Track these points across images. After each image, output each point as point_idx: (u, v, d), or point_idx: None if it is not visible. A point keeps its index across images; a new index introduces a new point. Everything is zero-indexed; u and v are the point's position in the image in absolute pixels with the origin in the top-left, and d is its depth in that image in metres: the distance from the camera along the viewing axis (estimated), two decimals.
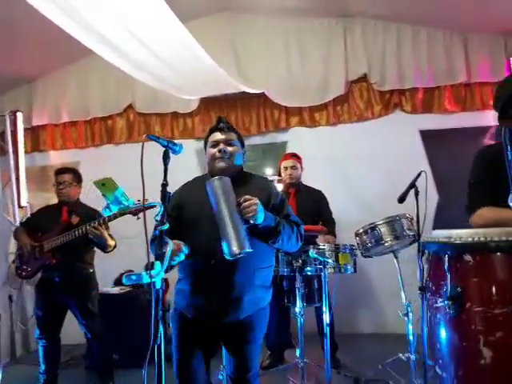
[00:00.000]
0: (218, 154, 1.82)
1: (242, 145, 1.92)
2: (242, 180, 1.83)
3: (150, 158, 4.37)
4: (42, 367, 2.97)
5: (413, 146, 4.01)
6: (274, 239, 1.70)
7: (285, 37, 4.19)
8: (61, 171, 3.10)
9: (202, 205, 1.75)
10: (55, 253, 2.90)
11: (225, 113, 4.37)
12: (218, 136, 1.86)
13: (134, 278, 1.27)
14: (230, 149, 1.83)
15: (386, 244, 2.54)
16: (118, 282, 3.85)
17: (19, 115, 4.43)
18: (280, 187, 4.14)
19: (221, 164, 1.81)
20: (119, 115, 4.52)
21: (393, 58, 3.99)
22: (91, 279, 3.06)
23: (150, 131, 4.48)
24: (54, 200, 4.56)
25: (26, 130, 4.49)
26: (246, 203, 1.59)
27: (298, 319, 2.62)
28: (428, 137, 4.01)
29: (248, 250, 1.51)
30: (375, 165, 4.03)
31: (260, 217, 1.60)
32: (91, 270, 3.06)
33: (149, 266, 1.30)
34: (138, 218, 3.00)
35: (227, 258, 1.53)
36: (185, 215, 1.84)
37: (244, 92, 4.06)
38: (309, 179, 3.56)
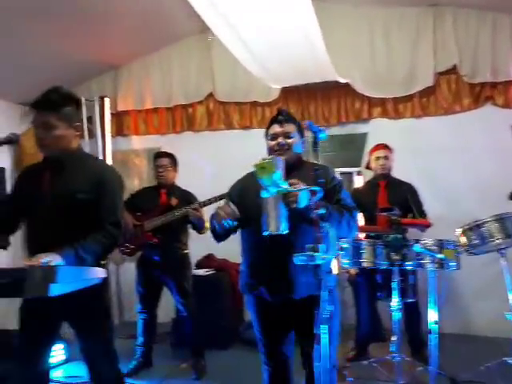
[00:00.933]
0: (276, 147, 1.89)
1: (302, 134, 1.95)
2: (296, 167, 1.87)
3: (229, 147, 4.37)
4: (140, 340, 3.14)
5: (503, 142, 3.85)
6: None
7: (370, 26, 4.12)
8: (160, 155, 3.24)
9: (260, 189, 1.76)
10: (155, 233, 3.05)
11: (304, 103, 4.39)
12: (276, 129, 1.91)
13: (304, 258, 1.32)
14: (288, 141, 1.89)
15: (496, 242, 2.48)
16: (200, 265, 3.98)
17: (106, 100, 4.64)
18: (360, 180, 4.15)
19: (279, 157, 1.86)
20: (200, 103, 4.63)
21: (486, 49, 3.82)
22: (187, 259, 3.20)
23: (230, 120, 4.58)
24: (135, 183, 4.78)
25: (111, 115, 4.71)
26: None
27: (395, 313, 2.62)
28: None
29: (283, 231, 1.56)
30: (461, 160, 3.92)
31: (302, 201, 1.60)
32: (187, 251, 3.20)
33: (315, 248, 1.34)
34: None
35: (264, 233, 1.58)
36: (246, 202, 1.87)
37: (325, 82, 4.05)
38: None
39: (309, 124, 1.64)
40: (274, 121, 1.93)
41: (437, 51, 3.95)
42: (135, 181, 4.95)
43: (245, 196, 1.89)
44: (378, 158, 3.31)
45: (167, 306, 3.59)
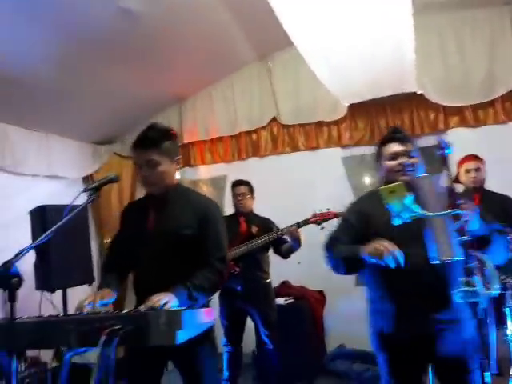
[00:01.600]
0: (398, 167, 1.74)
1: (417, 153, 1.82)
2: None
3: (295, 170, 4.18)
4: (226, 374, 3.04)
5: None
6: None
7: (439, 32, 3.93)
8: (238, 183, 3.20)
9: (389, 216, 1.61)
10: (236, 262, 2.98)
11: (373, 118, 4.23)
12: (395, 147, 1.78)
13: (463, 294, 1.15)
14: (412, 160, 1.76)
15: None
16: (277, 293, 3.85)
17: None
18: None
19: (403, 178, 1.72)
20: (263, 128, 4.60)
21: None
22: (270, 288, 3.09)
23: (295, 142, 4.50)
24: None
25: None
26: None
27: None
28: None
29: (457, 257, 1.40)
30: None
31: (473, 224, 1.46)
32: (269, 280, 3.10)
33: (470, 282, 1.18)
34: (322, 228, 3.02)
35: (433, 262, 1.44)
36: (372, 227, 1.72)
37: (393, 95, 3.89)
38: None
39: (440, 140, 1.51)
40: (391, 139, 1.81)
41: None
42: None
43: (370, 221, 1.73)
44: (468, 171, 3.07)
45: (247, 336, 3.48)
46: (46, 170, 4.25)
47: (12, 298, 1.26)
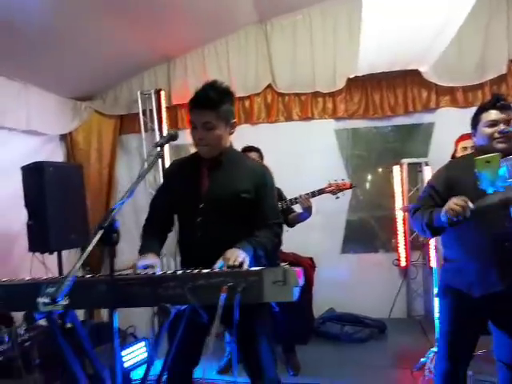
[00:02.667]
0: (497, 134, 1.79)
1: None
2: None
3: (289, 140, 4.21)
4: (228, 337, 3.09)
5: None
6: None
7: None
8: (248, 149, 3.16)
9: (477, 184, 1.71)
10: None
11: (369, 92, 4.31)
12: (495, 115, 1.81)
13: None
14: (510, 129, 1.78)
15: None
16: None
17: (162, 93, 4.55)
18: (428, 171, 4.09)
19: (501, 145, 1.78)
20: (258, 95, 4.53)
21: None
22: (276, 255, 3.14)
23: (289, 111, 4.49)
24: None
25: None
26: None
27: None
28: None
29: None
30: None
31: None
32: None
33: None
34: (337, 198, 3.10)
35: None
36: (459, 194, 1.82)
37: (389, 72, 4.00)
38: None
39: None
40: (492, 106, 1.82)
41: (510, 37, 3.88)
42: None
43: (457, 188, 1.78)
44: (465, 149, 3.24)
45: None
46: (25, 124, 3.92)
47: (113, 254, 1.19)
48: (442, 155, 4.15)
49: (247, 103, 4.57)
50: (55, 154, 4.57)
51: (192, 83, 4.59)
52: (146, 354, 3.35)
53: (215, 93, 1.72)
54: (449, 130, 3.99)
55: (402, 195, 4.21)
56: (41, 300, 1.17)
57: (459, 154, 3.30)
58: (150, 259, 1.67)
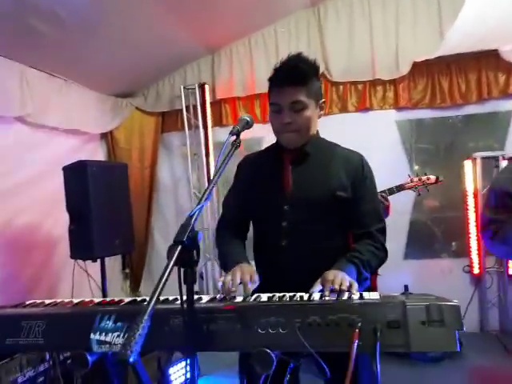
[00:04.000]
0: None
1: None
2: None
3: (344, 132, 3.70)
4: None
5: None
6: None
7: None
8: None
9: None
10: None
11: (436, 78, 3.85)
12: None
13: None
14: None
15: None
16: None
17: (206, 88, 4.26)
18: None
19: None
20: None
21: None
22: None
23: (344, 102, 4.10)
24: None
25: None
26: None
27: None
28: None
29: None
30: None
31: None
32: None
33: None
34: (419, 195, 2.71)
35: None
36: None
37: (459, 54, 3.54)
38: None
39: None
40: None
41: None
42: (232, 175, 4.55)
43: None
44: None
45: None
46: (66, 122, 3.72)
47: (193, 278, 0.86)
48: None
49: None
50: (96, 153, 4.37)
51: (238, 76, 4.29)
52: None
53: (305, 65, 1.40)
54: None
55: (475, 194, 3.72)
56: (96, 337, 0.86)
57: None
58: (249, 270, 1.30)
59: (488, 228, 1.47)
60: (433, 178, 2.74)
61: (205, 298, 1.11)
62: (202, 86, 4.26)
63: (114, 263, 4.31)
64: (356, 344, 0.75)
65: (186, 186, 4.60)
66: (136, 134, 4.58)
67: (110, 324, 0.92)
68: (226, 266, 1.39)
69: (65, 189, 2.81)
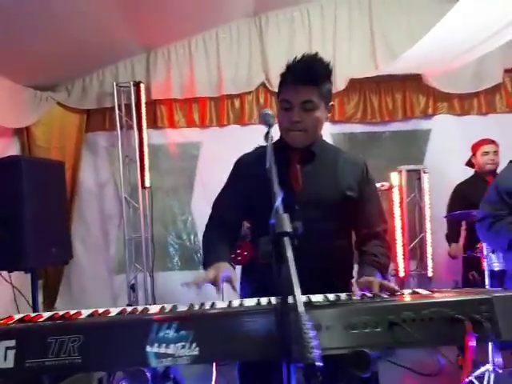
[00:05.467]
0: None
1: None
2: None
3: None
4: None
5: None
6: None
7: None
8: None
9: None
10: None
11: (367, 95, 4.15)
12: None
13: None
14: None
15: None
16: None
17: (142, 87, 4.02)
18: (425, 178, 4.01)
19: None
20: (249, 94, 4.17)
21: None
22: None
23: None
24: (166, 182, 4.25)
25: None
26: None
27: None
28: None
29: None
30: None
31: None
32: None
33: None
34: None
35: None
36: None
37: (390, 75, 3.91)
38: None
39: None
40: None
41: (503, 48, 3.92)
42: (166, 179, 4.35)
43: None
44: (486, 153, 3.17)
45: None
46: None
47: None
48: (437, 163, 4.13)
49: (237, 102, 4.19)
50: (7, 150, 3.80)
51: (175, 77, 4.13)
52: None
53: (320, 66, 1.39)
54: (445, 136, 3.96)
55: (401, 203, 4.06)
56: (153, 350, 0.73)
57: (479, 159, 3.21)
58: (228, 270, 1.24)
59: (485, 221, 1.61)
60: (386, 184, 2.91)
61: (247, 302, 1.01)
62: (137, 85, 4.00)
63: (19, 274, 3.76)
64: (473, 335, 0.74)
65: (113, 189, 4.26)
66: (56, 132, 4.12)
67: (171, 333, 0.78)
68: (205, 263, 1.33)
69: None
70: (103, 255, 4.29)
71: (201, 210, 4.26)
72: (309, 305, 0.92)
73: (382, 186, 2.91)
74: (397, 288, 1.11)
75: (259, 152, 1.57)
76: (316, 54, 1.41)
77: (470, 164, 3.31)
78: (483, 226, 1.67)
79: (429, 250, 4.08)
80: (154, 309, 0.98)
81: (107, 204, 4.28)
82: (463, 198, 3.13)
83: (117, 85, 3.99)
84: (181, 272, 4.34)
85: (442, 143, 4.10)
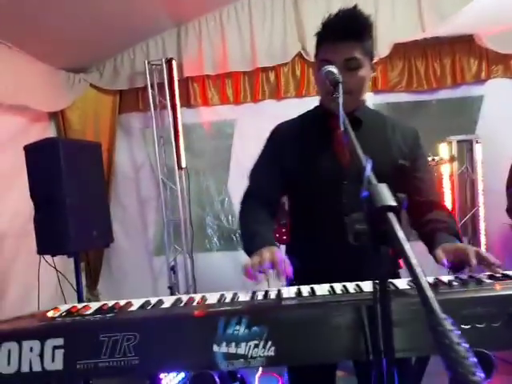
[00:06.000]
0: None
1: None
2: None
3: None
4: None
5: None
6: None
7: None
8: None
9: None
10: None
11: (412, 62, 3.85)
12: None
13: None
14: None
15: None
16: None
17: (174, 64, 3.89)
18: (479, 149, 3.72)
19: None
20: (285, 65, 3.96)
21: None
22: None
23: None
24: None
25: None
26: None
27: None
28: None
29: None
30: None
31: None
32: None
33: None
34: None
35: None
36: None
37: (435, 38, 3.59)
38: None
39: None
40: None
41: None
42: (201, 160, 4.24)
43: None
44: None
45: None
46: (12, 96, 3.16)
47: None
48: (490, 132, 3.81)
49: (272, 75, 4.00)
50: (44, 135, 3.77)
51: (207, 52, 3.96)
52: None
53: (362, 19, 1.24)
54: (501, 104, 3.64)
55: (451, 176, 3.80)
56: (221, 350, 0.60)
57: None
58: (279, 252, 1.08)
59: None
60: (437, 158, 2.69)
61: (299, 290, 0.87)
62: (168, 62, 3.87)
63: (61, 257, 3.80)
64: None
65: (149, 171, 4.21)
66: (91, 115, 4.08)
67: (241, 330, 0.66)
68: (251, 247, 1.16)
69: (28, 173, 2.34)
70: (142, 238, 4.28)
71: (238, 190, 4.11)
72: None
73: (433, 159, 2.69)
74: (497, 261, 0.93)
75: (298, 121, 1.43)
76: (355, 6, 1.24)
77: None
78: None
79: (482, 225, 3.82)
80: (212, 298, 0.86)
81: (144, 186, 4.24)
82: None
83: (148, 63, 3.87)
84: (220, 253, 4.28)
85: (496, 110, 3.77)
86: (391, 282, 0.89)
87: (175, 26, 3.99)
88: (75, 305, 0.85)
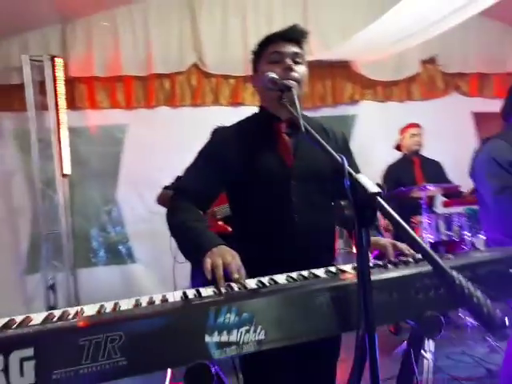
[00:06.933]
0: None
1: None
2: None
3: (213, 125, 3.76)
4: None
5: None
6: None
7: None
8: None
9: None
10: (226, 221, 2.51)
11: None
12: None
13: None
14: None
15: None
16: None
17: (58, 62, 3.57)
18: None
19: None
20: (181, 74, 3.95)
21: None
22: None
23: (216, 95, 4.05)
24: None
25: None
26: None
27: None
28: None
29: None
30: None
31: None
32: None
33: None
34: None
35: None
36: None
37: (319, 61, 4.00)
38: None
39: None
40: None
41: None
42: (86, 166, 3.94)
43: None
44: (413, 135, 3.40)
45: None
46: None
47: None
48: (360, 148, 4.34)
49: (167, 83, 3.94)
50: None
51: (98, 53, 3.74)
52: None
53: (301, 30, 1.34)
54: (369, 121, 4.19)
55: None
56: (213, 339, 0.61)
57: (407, 141, 3.44)
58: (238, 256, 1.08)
59: (505, 191, 1.57)
60: None
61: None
62: (52, 59, 3.53)
63: None
64: None
65: (24, 179, 3.75)
66: None
67: (232, 318, 0.65)
68: (201, 247, 1.12)
69: None
70: (12, 254, 3.76)
71: (128, 199, 3.95)
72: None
73: None
74: (410, 249, 1.10)
75: (240, 124, 1.45)
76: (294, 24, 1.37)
77: (397, 148, 3.52)
78: (506, 197, 1.59)
79: None
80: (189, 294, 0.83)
81: (16, 195, 3.75)
82: (396, 177, 3.34)
83: (30, 58, 3.47)
84: (106, 267, 3.98)
85: (365, 129, 4.32)
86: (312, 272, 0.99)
87: (60, 21, 3.68)
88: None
